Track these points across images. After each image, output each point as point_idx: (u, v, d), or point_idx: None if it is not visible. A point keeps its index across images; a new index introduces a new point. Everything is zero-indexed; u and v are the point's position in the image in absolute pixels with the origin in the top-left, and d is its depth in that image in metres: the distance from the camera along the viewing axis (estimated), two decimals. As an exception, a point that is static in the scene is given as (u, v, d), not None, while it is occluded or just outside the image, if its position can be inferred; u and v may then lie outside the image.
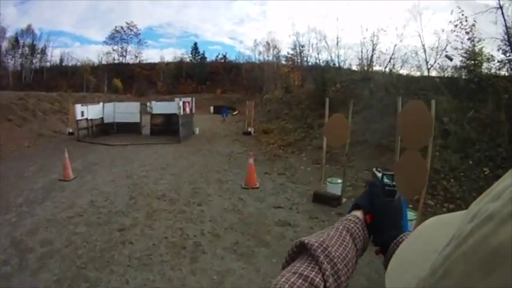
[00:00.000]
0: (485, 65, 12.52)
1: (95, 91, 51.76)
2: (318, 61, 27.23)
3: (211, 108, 47.49)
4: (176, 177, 10.34)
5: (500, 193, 0.36)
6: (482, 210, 0.37)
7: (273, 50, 55.44)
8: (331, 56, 27.37)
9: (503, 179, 0.38)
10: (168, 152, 15.06)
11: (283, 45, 69.01)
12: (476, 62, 12.46)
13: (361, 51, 23.14)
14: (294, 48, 43.23)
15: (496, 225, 0.32)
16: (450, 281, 0.35)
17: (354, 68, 24.78)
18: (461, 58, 13.93)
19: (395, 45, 21.33)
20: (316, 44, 28.95)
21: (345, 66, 25.57)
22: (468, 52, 13.35)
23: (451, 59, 14.94)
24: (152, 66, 68.96)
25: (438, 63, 17.55)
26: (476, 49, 13.24)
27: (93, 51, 78.98)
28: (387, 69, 20.65)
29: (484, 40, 13.53)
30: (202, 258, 5.39)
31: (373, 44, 22.55)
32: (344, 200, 7.86)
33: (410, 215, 5.98)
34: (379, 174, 1.06)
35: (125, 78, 62.95)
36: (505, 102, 9.66)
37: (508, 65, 12.72)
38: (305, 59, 38.76)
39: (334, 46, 27.39)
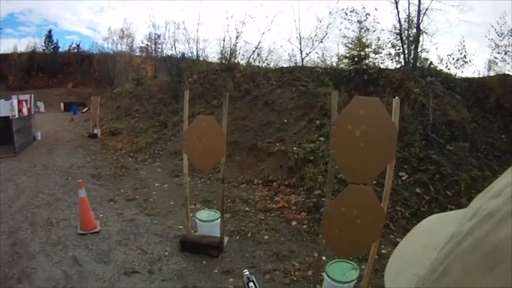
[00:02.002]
0: (372, 56, 11.54)
1: None
2: (173, 51, 24.69)
3: (62, 105, 41.97)
4: (-5, 223, 6.80)
5: (500, 191, 0.36)
6: (482, 207, 0.36)
7: (127, 39, 50.96)
8: (189, 45, 25.17)
9: (504, 177, 0.38)
10: (-5, 173, 10.98)
11: (140, 36, 65.17)
12: (363, 53, 11.30)
13: (224, 40, 20.97)
14: (149, 38, 40.02)
15: (496, 223, 0.33)
16: (450, 278, 0.35)
17: (214, 59, 22.70)
18: (345, 48, 12.72)
19: (263, 33, 19.53)
20: (174, 33, 26.32)
21: (206, 59, 23.39)
22: (356, 42, 12.16)
23: None
24: (4, 58, 58.63)
25: (316, 53, 16.32)
26: (372, 39, 12.25)
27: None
28: (252, 59, 18.90)
29: (382, 31, 12.75)
30: None
31: (237, 32, 20.53)
32: (226, 240, 5.36)
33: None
34: None
35: (-27, 73, 52.41)
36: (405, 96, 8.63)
37: (397, 58, 12.20)
38: (159, 49, 36.25)
39: (193, 36, 25.06)
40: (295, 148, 8.12)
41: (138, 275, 4.76)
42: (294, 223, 6.07)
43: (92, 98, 21.15)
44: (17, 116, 14.50)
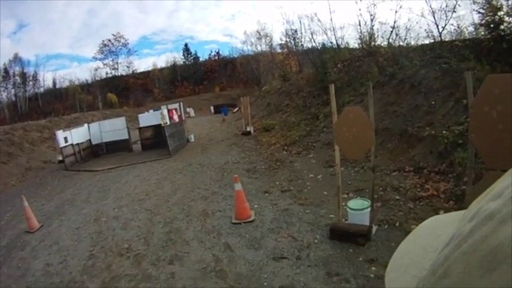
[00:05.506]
0: (507, 20, 9.98)
1: (90, 109, 49.30)
2: (313, 43, 24.78)
3: (211, 108, 45.94)
4: (151, 215, 7.99)
5: (500, 192, 0.36)
6: (482, 209, 0.37)
7: (265, 39, 52.82)
8: (327, 35, 25.07)
9: (504, 178, 0.39)
10: (153, 172, 12.67)
11: (277, 34, 67.36)
12: (497, 17, 9.97)
13: (359, 24, 20.40)
14: (286, 35, 40.83)
15: (496, 225, 0.33)
16: (450, 280, 0.35)
17: (354, 45, 22.15)
18: (478, 15, 11.40)
19: (396, 11, 18.54)
20: (309, 26, 26.57)
21: (348, 46, 22.90)
22: (488, 6, 10.77)
23: None
24: (146, 75, 67.04)
25: (452, 24, 14.92)
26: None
27: (90, 69, 78.54)
28: (391, 40, 18.08)
29: None
30: None
31: (371, 15, 19.81)
32: (374, 229, 5.46)
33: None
34: None
35: (120, 91, 61.20)
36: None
37: None
38: (299, 43, 36.67)
39: (328, 26, 24.93)
40: (444, 131, 7.69)
41: (286, 261, 5.10)
42: (441, 212, 5.82)
43: (241, 99, 22.35)
44: (168, 123, 16.51)
